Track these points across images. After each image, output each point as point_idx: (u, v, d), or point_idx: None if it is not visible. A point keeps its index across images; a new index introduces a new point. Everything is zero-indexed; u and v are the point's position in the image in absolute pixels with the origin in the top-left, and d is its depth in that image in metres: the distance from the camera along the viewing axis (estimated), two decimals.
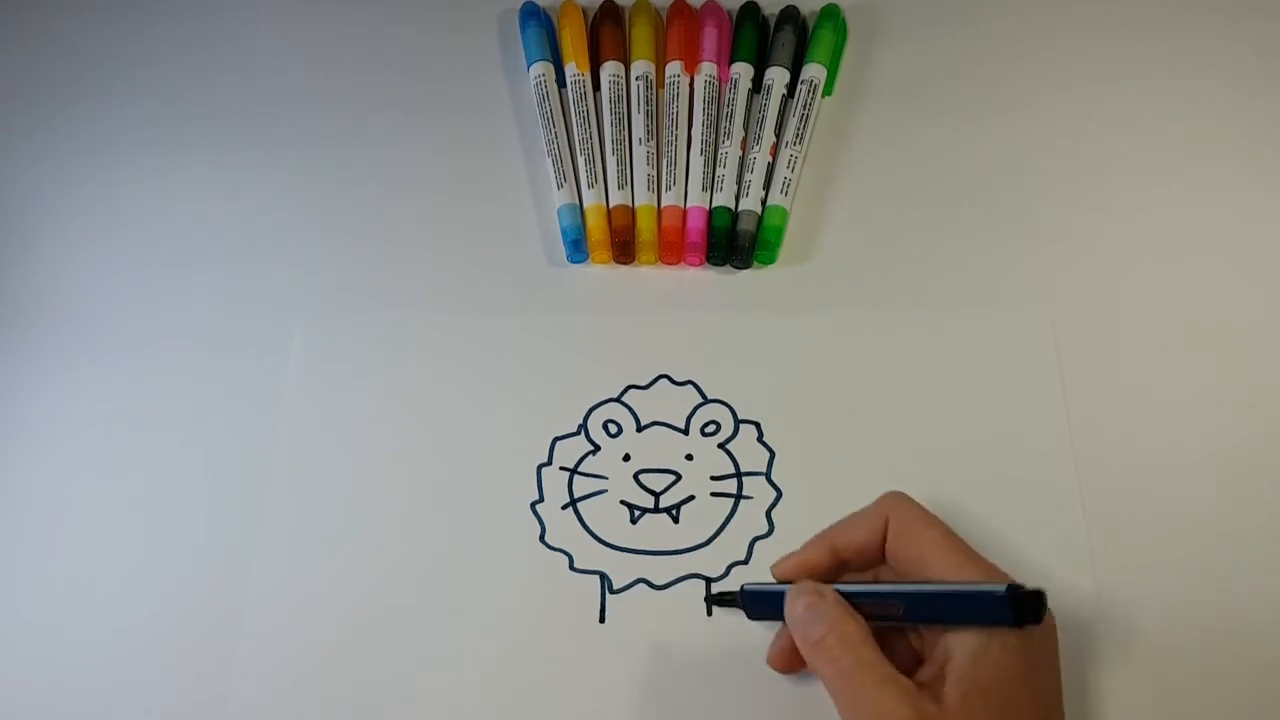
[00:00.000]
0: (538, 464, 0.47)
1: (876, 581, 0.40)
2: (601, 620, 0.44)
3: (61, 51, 0.59)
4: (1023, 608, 0.34)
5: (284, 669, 0.43)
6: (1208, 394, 0.48)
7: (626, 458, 0.47)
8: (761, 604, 0.41)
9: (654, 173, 0.53)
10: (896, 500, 0.40)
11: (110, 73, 0.58)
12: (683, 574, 0.45)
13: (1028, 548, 0.44)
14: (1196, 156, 0.54)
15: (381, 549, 0.45)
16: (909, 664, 0.37)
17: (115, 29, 0.60)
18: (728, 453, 0.47)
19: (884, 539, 0.39)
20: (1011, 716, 0.35)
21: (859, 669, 0.36)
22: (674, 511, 0.46)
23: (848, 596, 0.38)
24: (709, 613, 0.44)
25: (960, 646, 0.36)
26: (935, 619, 0.37)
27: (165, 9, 0.60)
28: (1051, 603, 0.36)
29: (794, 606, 0.38)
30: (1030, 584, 0.35)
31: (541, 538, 0.45)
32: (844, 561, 0.40)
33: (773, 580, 0.41)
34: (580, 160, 0.54)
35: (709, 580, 0.44)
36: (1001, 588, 0.35)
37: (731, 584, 0.44)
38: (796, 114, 0.54)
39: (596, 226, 0.52)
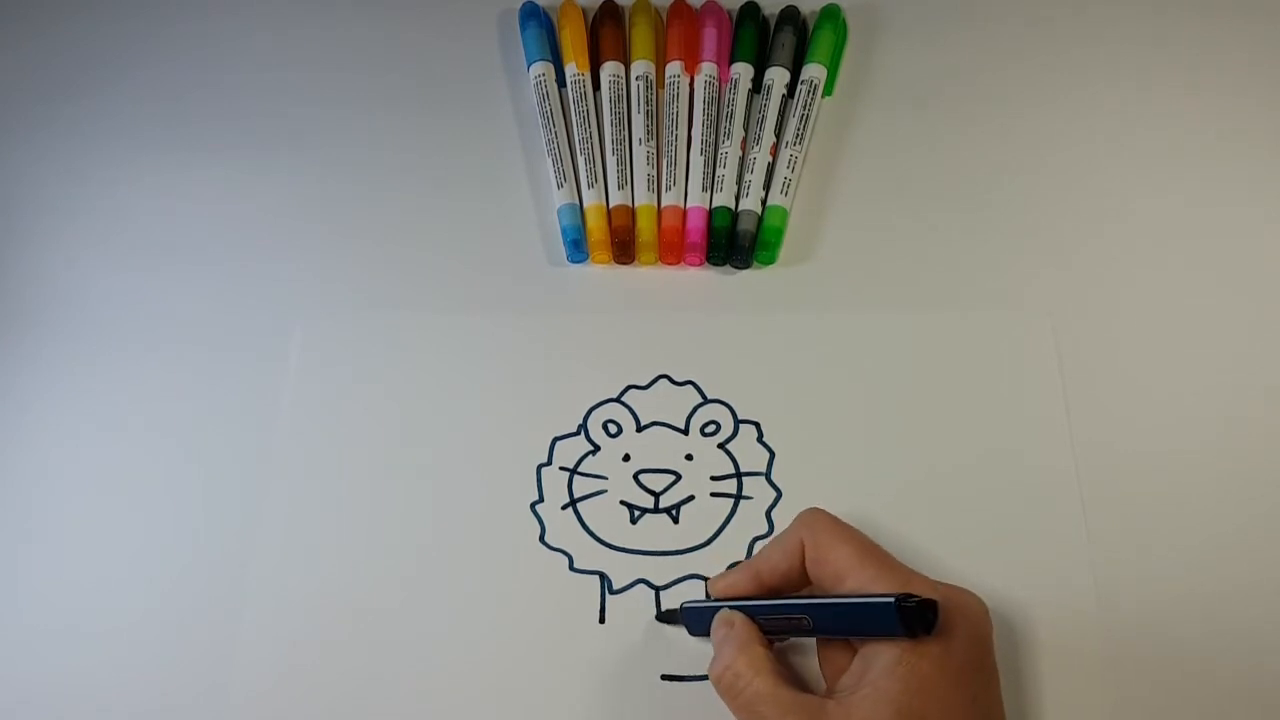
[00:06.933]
0: (538, 464, 0.47)
1: (793, 596, 0.40)
2: (601, 620, 0.44)
3: (62, 51, 0.59)
4: (911, 619, 0.34)
5: (283, 671, 0.43)
6: (1208, 395, 0.48)
7: (626, 458, 0.47)
8: (698, 622, 0.41)
9: (654, 173, 0.53)
10: (810, 519, 0.40)
11: (111, 73, 0.58)
12: (683, 574, 0.45)
13: (1028, 548, 0.44)
14: (1199, 157, 0.54)
15: (381, 548, 0.45)
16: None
17: (115, 29, 0.60)
18: (728, 453, 0.47)
19: (803, 561, 0.39)
20: None
21: (757, 699, 0.36)
22: (674, 512, 0.46)
23: (758, 611, 0.39)
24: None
25: (878, 658, 0.35)
26: (843, 631, 0.37)
27: (165, 9, 0.60)
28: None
29: (713, 637, 0.39)
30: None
31: (541, 538, 0.45)
32: (771, 588, 0.40)
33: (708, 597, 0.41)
34: (580, 160, 0.54)
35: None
36: (889, 599, 0.34)
37: None
38: (796, 114, 0.54)
39: (596, 226, 0.52)
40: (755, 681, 0.37)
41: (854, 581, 0.37)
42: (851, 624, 0.36)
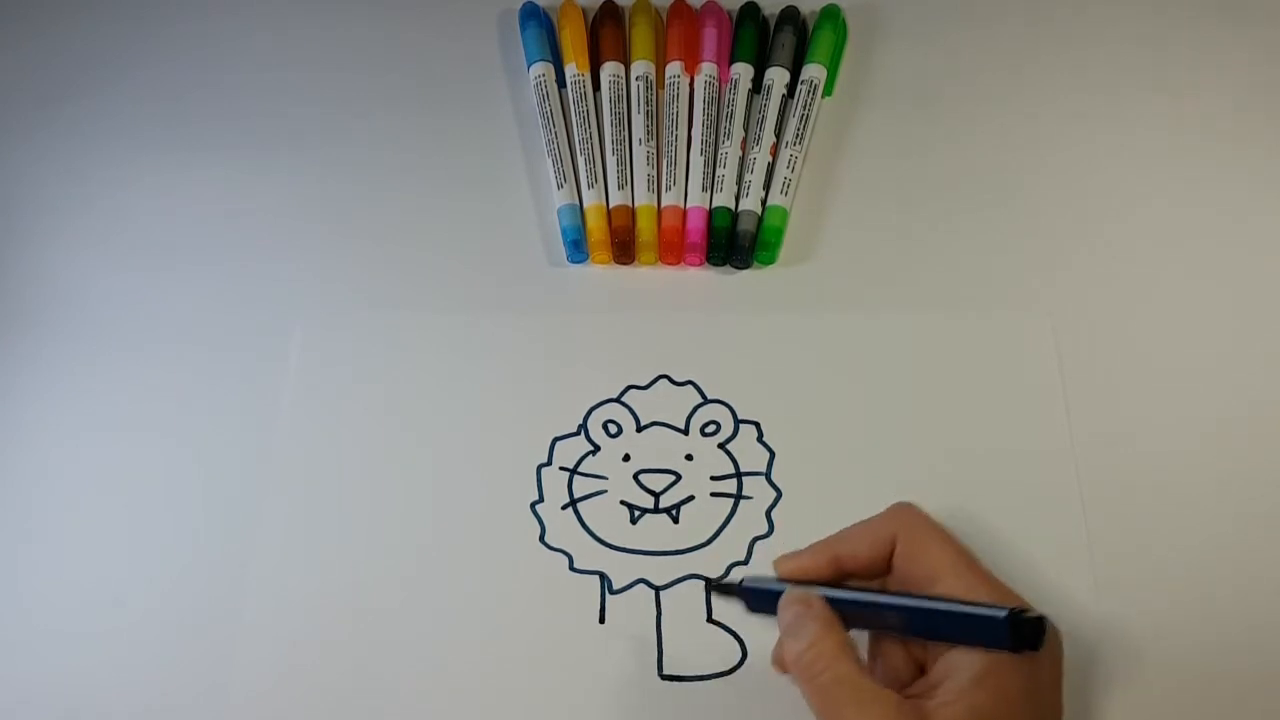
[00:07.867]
0: (538, 464, 0.47)
1: (882, 590, 0.39)
2: (601, 620, 0.44)
3: (62, 51, 0.59)
4: (1022, 634, 0.34)
5: (283, 671, 0.43)
6: (1209, 397, 0.48)
7: (626, 458, 0.47)
8: (761, 600, 0.40)
9: (654, 173, 0.53)
10: (905, 515, 0.39)
11: (111, 73, 0.58)
12: (683, 574, 0.45)
13: (1028, 549, 0.44)
14: (1199, 159, 0.54)
15: (381, 548, 0.45)
16: (908, 671, 0.37)
17: (115, 29, 0.60)
18: (728, 453, 0.47)
19: (890, 554, 0.38)
20: None
21: (837, 685, 0.35)
22: (674, 512, 0.46)
23: (844, 603, 0.37)
24: (708, 613, 0.44)
25: (964, 666, 0.35)
26: (934, 635, 0.36)
27: (165, 9, 0.60)
28: (1052, 604, 0.36)
29: (783, 615, 0.37)
30: (1031, 584, 0.35)
31: (541, 538, 0.45)
32: (847, 572, 0.39)
33: (774, 576, 0.39)
34: (580, 160, 0.54)
35: (708, 581, 0.44)
36: (1003, 612, 0.34)
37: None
38: (796, 114, 0.54)
39: (596, 227, 0.52)
40: (838, 665, 0.35)
41: (946, 586, 0.36)
42: (952, 631, 0.35)
